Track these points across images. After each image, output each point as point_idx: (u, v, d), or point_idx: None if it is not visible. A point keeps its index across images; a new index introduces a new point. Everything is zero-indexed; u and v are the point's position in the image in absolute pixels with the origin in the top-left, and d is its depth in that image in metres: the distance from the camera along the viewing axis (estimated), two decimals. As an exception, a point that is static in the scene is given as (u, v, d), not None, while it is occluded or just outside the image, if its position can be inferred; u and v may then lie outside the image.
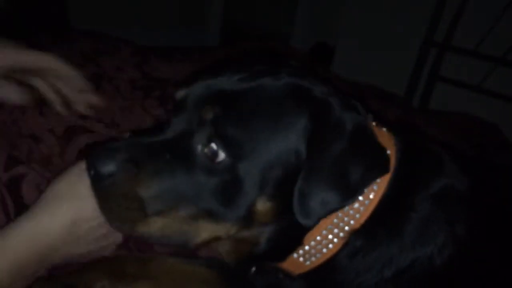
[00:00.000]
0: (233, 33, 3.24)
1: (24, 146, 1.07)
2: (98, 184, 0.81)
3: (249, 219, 0.84)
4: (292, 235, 0.90)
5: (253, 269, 1.04)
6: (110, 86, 1.49)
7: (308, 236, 0.89)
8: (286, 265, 0.95)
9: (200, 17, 3.29)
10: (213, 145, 0.80)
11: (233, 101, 0.82)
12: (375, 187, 0.88)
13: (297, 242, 0.90)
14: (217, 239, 0.87)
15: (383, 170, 0.86)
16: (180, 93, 0.88)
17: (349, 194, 0.82)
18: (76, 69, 1.14)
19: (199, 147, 0.82)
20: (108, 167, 0.79)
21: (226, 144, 0.80)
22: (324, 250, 0.89)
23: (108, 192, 0.81)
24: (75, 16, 2.33)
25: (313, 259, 0.91)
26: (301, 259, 0.92)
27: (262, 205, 0.83)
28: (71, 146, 1.16)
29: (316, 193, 0.80)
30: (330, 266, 0.91)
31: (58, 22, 2.13)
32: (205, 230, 0.84)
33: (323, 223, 0.87)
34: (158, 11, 2.95)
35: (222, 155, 0.80)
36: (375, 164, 0.85)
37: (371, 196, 0.87)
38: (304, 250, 0.91)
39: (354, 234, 0.88)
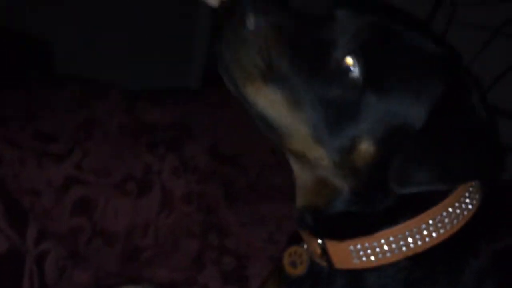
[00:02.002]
0: (215, 76, 3.30)
1: (26, 200, 1.09)
2: (241, 27, 0.80)
3: (345, 155, 0.82)
4: (372, 212, 0.88)
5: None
6: (101, 132, 1.51)
7: (386, 232, 0.87)
8: (333, 249, 0.91)
9: (183, 59, 3.33)
10: (353, 58, 0.80)
11: (385, 34, 0.83)
12: (460, 217, 0.87)
13: (372, 226, 0.88)
14: (306, 157, 0.85)
15: (487, 175, 0.86)
16: (342, 8, 0.86)
17: (448, 179, 0.83)
18: None
19: (339, 54, 0.81)
20: (260, 18, 0.79)
21: (365, 64, 0.80)
22: (388, 254, 0.87)
23: (247, 38, 0.80)
24: (59, 61, 2.34)
25: (364, 259, 0.88)
26: (353, 252, 0.89)
27: (366, 146, 0.82)
28: (67, 198, 1.17)
29: (420, 163, 0.81)
30: (377, 281, 0.89)
31: (43, 68, 2.14)
32: (301, 138, 0.83)
33: (405, 226, 0.86)
34: (139, 52, 2.98)
35: (356, 72, 0.80)
36: (486, 165, 0.84)
37: (453, 222, 0.87)
38: (369, 244, 0.88)
39: (418, 258, 0.87)
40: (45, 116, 1.39)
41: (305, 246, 0.99)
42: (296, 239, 1.06)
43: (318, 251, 0.94)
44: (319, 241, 0.93)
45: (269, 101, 0.82)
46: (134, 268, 1.36)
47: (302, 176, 0.91)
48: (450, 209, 0.88)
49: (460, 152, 0.82)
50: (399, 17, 0.87)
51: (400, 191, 0.82)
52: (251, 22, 0.80)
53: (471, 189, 0.91)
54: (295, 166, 0.91)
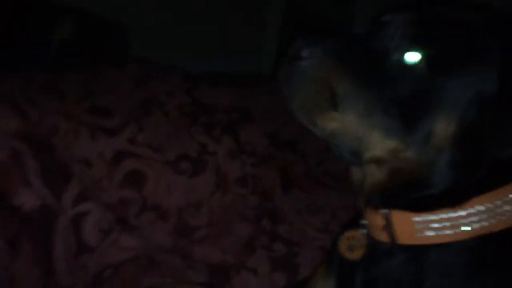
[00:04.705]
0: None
1: (75, 170, 1.11)
2: (298, 63, 0.84)
3: (425, 140, 0.82)
4: (455, 183, 0.84)
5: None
6: (158, 111, 1.52)
7: (470, 202, 0.83)
8: (398, 220, 0.88)
9: (255, 46, 3.34)
10: (413, 53, 0.82)
11: (435, 22, 0.85)
12: None
13: (456, 195, 0.84)
14: (386, 159, 0.85)
15: None
16: (386, 16, 0.91)
17: None
18: None
19: (399, 54, 0.84)
20: (313, 49, 0.84)
21: (425, 53, 0.82)
22: (457, 230, 0.84)
23: (305, 73, 0.84)
24: (134, 45, 2.41)
25: (430, 233, 0.86)
26: (419, 225, 0.86)
27: (445, 127, 0.82)
28: (118, 170, 1.19)
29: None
30: (440, 259, 0.86)
31: (119, 51, 2.22)
32: (377, 144, 0.84)
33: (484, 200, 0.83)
34: (211, 38, 3.01)
35: (419, 64, 0.82)
36: None
37: None
38: (436, 216, 0.85)
39: (489, 239, 0.83)
40: (103, 93, 1.42)
41: (363, 230, 0.97)
42: (350, 226, 1.02)
43: (382, 222, 0.90)
44: (385, 211, 0.90)
45: (341, 123, 0.84)
46: (186, 245, 1.36)
47: (375, 173, 0.89)
48: None
49: None
50: (436, 5, 0.90)
51: (502, 154, 0.81)
52: (305, 52, 0.84)
53: None
54: (369, 170, 0.90)
